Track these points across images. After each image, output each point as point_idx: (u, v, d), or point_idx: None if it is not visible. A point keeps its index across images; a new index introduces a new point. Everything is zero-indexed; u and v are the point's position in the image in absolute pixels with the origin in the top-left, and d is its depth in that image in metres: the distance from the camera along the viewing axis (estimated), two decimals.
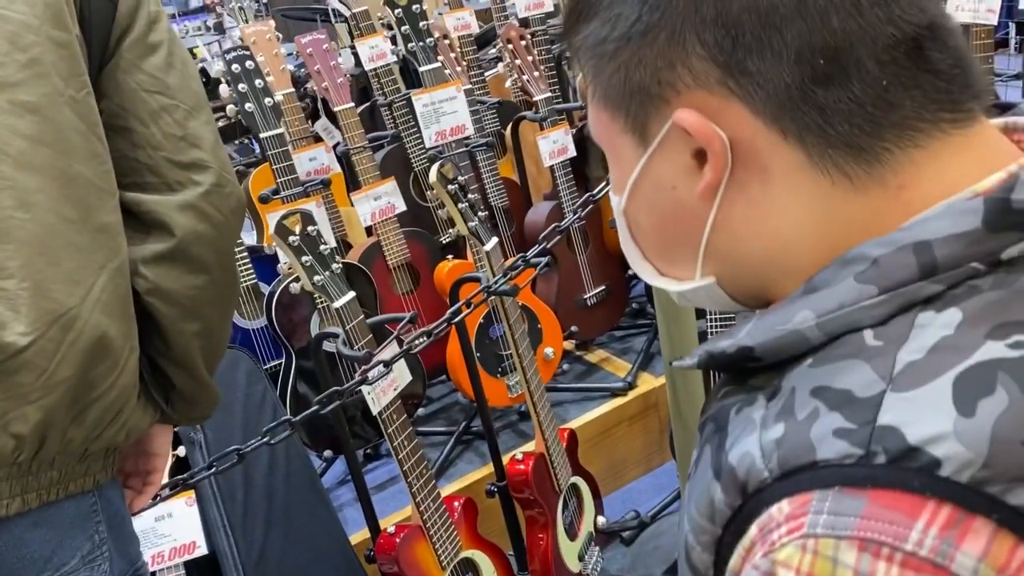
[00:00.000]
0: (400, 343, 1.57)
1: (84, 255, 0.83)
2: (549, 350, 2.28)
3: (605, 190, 1.83)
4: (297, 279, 1.56)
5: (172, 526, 1.65)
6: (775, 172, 0.50)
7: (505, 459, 1.89)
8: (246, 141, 4.11)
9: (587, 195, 1.72)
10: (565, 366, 2.57)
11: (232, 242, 0.98)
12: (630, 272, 2.74)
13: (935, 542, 0.40)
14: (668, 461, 2.39)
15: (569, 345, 2.65)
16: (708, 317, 2.04)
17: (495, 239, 1.70)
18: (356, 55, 2.76)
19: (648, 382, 2.45)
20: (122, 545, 0.95)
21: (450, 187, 1.64)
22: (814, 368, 0.47)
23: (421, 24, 2.15)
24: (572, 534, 1.91)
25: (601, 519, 2.01)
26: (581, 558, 1.92)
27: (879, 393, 0.43)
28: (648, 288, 2.72)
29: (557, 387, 2.45)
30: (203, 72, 3.49)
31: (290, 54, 3.30)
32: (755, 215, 0.51)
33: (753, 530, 0.45)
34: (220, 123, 3.72)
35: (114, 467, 0.94)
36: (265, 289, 2.32)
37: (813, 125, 0.48)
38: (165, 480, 1.50)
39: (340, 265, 1.57)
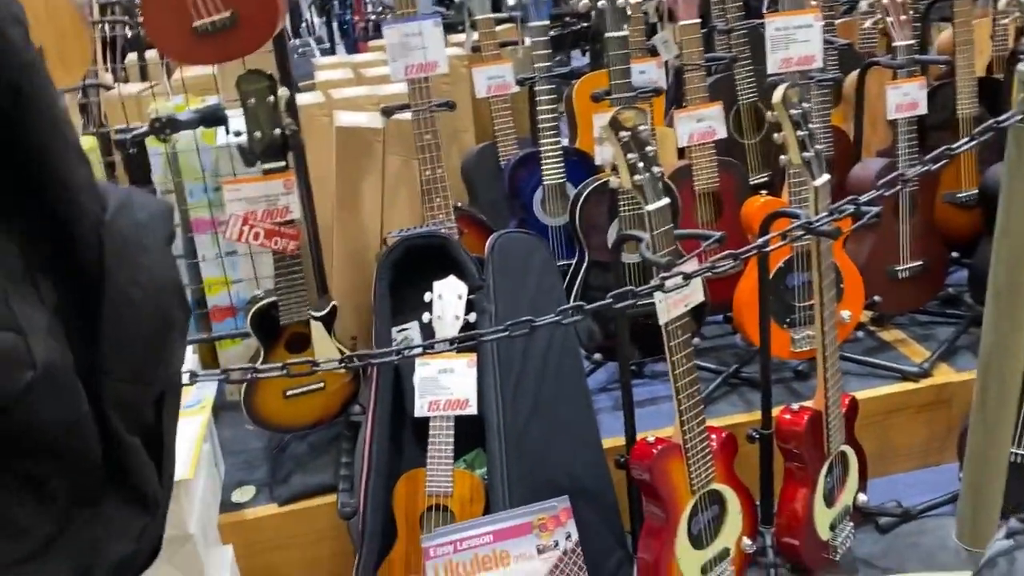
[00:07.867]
0: (700, 260, 1.55)
1: None
2: (846, 313, 2.13)
3: (962, 149, 1.64)
4: (616, 174, 1.58)
5: (452, 380, 1.79)
6: None
7: (775, 410, 1.82)
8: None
9: (945, 148, 1.55)
10: (858, 334, 2.40)
11: None
12: (954, 255, 2.47)
13: None
14: (947, 463, 2.18)
15: (863, 318, 2.46)
16: None
17: (827, 176, 1.60)
18: None
19: (946, 374, 2.23)
20: None
21: (792, 111, 1.56)
22: None
23: None
24: (830, 501, 1.81)
25: (863, 496, 1.89)
26: (832, 528, 1.81)
27: None
28: (973, 278, 2.44)
29: (843, 355, 2.29)
30: None
31: None
32: None
33: None
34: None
35: None
36: (571, 191, 2.38)
37: None
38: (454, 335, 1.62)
39: (661, 171, 1.57)
